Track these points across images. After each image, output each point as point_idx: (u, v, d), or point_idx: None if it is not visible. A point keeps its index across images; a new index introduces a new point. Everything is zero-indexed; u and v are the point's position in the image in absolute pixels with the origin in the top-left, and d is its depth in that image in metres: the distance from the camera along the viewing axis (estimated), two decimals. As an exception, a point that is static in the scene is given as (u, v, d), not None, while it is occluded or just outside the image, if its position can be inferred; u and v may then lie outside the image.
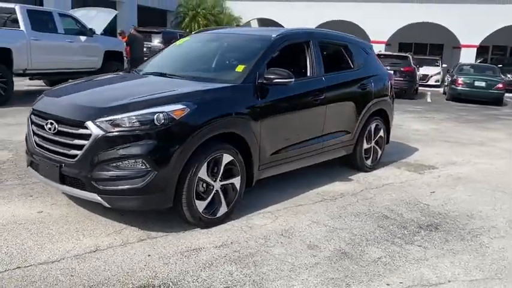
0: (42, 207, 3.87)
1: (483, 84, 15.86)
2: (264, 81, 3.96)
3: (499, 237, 3.84)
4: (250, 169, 3.95)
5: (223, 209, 3.74)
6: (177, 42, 5.01)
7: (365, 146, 5.51)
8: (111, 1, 20.68)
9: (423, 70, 21.86)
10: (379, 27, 24.51)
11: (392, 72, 15.95)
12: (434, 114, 12.23)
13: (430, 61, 23.87)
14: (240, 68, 4.05)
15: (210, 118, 3.52)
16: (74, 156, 3.32)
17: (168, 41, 14.35)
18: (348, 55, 5.35)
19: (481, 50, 26.45)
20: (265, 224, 3.83)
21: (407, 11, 24.35)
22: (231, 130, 3.70)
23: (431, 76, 22.71)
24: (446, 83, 18.72)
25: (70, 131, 3.36)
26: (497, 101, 15.74)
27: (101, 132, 3.22)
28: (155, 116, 3.26)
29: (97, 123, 3.24)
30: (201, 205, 3.55)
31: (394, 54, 17.83)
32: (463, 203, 4.68)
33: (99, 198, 3.28)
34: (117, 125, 3.24)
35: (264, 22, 27.07)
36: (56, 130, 3.44)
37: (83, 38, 11.11)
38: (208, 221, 3.64)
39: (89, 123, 3.25)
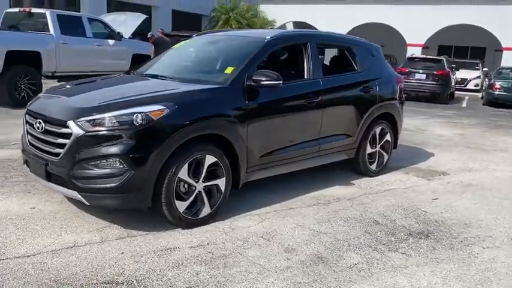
0: (35, 204, 4.01)
1: (521, 88, 15.19)
2: (253, 83, 3.96)
3: (493, 248, 3.67)
4: (237, 171, 3.95)
5: (206, 210, 3.75)
6: (177, 45, 5.08)
7: (369, 150, 5.39)
8: (146, 6, 21.21)
9: (461, 74, 21.17)
10: (416, 29, 23.90)
11: (424, 76, 15.70)
12: (464, 120, 11.82)
13: (469, 64, 23.07)
14: (229, 70, 4.06)
15: (191, 119, 3.54)
16: (58, 154, 3.44)
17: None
18: (351, 57, 5.26)
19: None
20: (249, 226, 3.81)
21: (445, 13, 23.59)
22: (214, 132, 3.72)
23: (470, 80, 21.95)
24: (484, 88, 18.05)
25: (54, 130, 3.48)
26: (536, 106, 15.04)
27: (81, 132, 3.32)
28: (134, 116, 3.32)
29: (78, 122, 3.34)
30: (181, 205, 3.57)
31: (428, 57, 17.34)
32: (464, 211, 4.49)
33: (79, 196, 3.37)
34: (97, 125, 3.32)
35: (298, 25, 26.97)
36: (43, 129, 3.57)
37: (111, 41, 11.45)
38: (190, 221, 3.66)
39: (70, 123, 3.35)
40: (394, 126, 5.73)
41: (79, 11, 17.50)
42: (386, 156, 5.68)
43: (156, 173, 3.38)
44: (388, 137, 5.62)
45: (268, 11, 26.02)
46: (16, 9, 11.08)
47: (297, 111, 4.43)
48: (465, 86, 21.45)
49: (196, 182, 3.65)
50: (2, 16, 10.85)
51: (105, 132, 3.32)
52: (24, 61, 9.37)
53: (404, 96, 6.10)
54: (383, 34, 26.05)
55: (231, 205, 4.15)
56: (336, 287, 2.92)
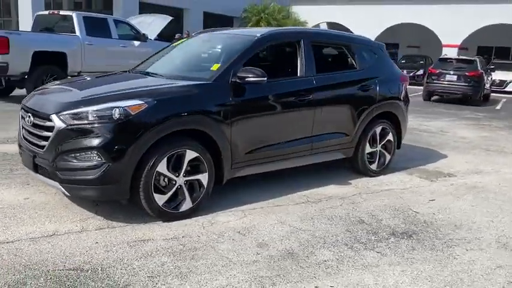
0: (30, 195, 4.19)
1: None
2: (238, 80, 3.99)
3: (477, 250, 3.55)
4: (221, 167, 3.99)
5: (187, 204, 3.81)
6: (176, 43, 5.18)
7: (368, 149, 5.31)
8: (178, 8, 21.61)
9: (499, 75, 20.34)
10: (451, 30, 23.20)
11: (456, 77, 15.18)
12: (493, 122, 11.38)
13: (509, 66, 22.15)
14: (215, 67, 4.11)
15: (170, 114, 3.62)
16: (43, 147, 3.59)
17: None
18: (350, 55, 5.20)
19: None
20: (229, 221, 3.85)
21: (483, 13, 22.81)
22: (195, 127, 3.77)
23: (510, 82, 21.08)
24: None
25: (40, 123, 3.64)
26: None
27: (62, 125, 3.46)
28: (113, 111, 3.43)
29: (60, 116, 3.48)
30: (161, 199, 3.65)
31: (460, 58, 16.82)
32: (459, 213, 4.36)
33: (61, 187, 3.51)
34: (78, 118, 3.46)
35: (331, 26, 26.77)
36: (32, 123, 3.74)
37: (136, 42, 11.73)
38: (171, 215, 3.74)
39: (53, 116, 3.50)
40: (397, 126, 5.60)
41: (112, 14, 18.04)
42: (388, 157, 5.57)
43: (133, 166, 3.47)
44: (390, 137, 5.51)
45: (300, 11, 25.95)
46: (46, 12, 11.56)
47: (286, 108, 4.43)
48: (504, 88, 20.61)
49: (177, 177, 3.72)
50: (34, 19, 11.36)
51: (85, 125, 3.44)
52: (51, 61, 9.76)
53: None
54: (418, 35, 25.53)
55: (217, 201, 4.21)
56: (297, 282, 2.91)
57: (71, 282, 2.75)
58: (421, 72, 22.55)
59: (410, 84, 23.78)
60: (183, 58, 4.80)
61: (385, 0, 24.61)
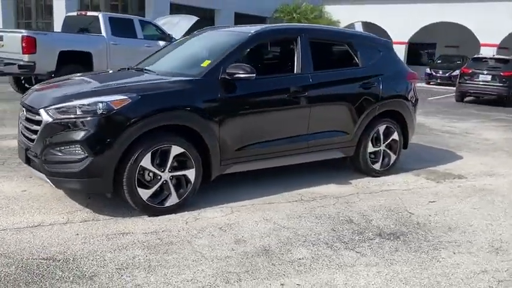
0: (28, 187, 4.34)
1: None
2: (227, 77, 3.99)
3: (464, 253, 3.40)
4: (209, 163, 4.00)
5: (173, 200, 3.84)
6: (177, 41, 5.23)
7: (371, 149, 5.18)
8: (209, 9, 21.82)
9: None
10: (489, 28, 22.31)
11: (490, 77, 14.57)
12: (526, 124, 10.89)
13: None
14: (205, 63, 4.13)
15: (154, 109, 3.65)
16: (33, 140, 3.71)
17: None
18: (352, 52, 5.09)
19: None
20: (215, 217, 3.85)
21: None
22: (181, 123, 3.80)
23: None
24: None
25: (31, 117, 3.76)
26: None
27: (49, 119, 3.56)
28: (96, 106, 3.50)
29: (47, 110, 3.58)
30: (145, 193, 3.69)
31: (495, 57, 16.15)
32: (457, 215, 4.20)
33: (47, 179, 3.61)
34: (64, 113, 3.55)
35: (366, 25, 26.33)
36: (25, 117, 3.87)
37: (161, 43, 11.89)
38: (156, 209, 3.77)
39: (41, 111, 3.61)
40: (403, 126, 5.44)
41: (144, 15, 18.42)
42: (393, 157, 5.42)
43: (116, 161, 3.53)
44: (395, 136, 5.36)
45: (333, 11, 25.68)
46: (74, 13, 11.95)
47: (278, 105, 4.39)
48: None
49: (162, 172, 3.75)
50: (63, 20, 11.76)
51: (70, 119, 3.53)
52: (77, 61, 10.06)
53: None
54: (456, 34, 24.72)
55: (209, 196, 4.23)
56: (264, 279, 2.88)
57: (39, 271, 2.82)
58: (457, 72, 21.80)
59: (445, 85, 23.09)
60: (178, 55, 4.84)
61: (422, -2, 24.01)
